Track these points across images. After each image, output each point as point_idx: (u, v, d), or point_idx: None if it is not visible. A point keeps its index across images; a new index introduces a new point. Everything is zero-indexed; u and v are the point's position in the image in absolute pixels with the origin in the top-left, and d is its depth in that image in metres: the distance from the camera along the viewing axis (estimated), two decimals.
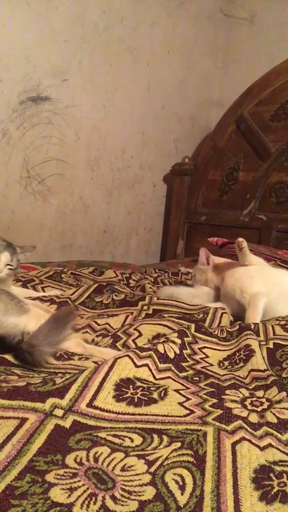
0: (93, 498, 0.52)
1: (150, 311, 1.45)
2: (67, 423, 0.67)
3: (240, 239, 1.58)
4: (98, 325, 1.35)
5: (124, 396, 0.79)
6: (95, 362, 0.99)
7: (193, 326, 1.20)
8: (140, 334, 1.22)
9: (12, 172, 2.36)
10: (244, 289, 1.48)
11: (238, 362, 1.06)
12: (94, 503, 0.52)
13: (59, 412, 0.69)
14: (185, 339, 1.10)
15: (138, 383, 0.84)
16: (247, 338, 1.14)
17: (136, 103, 2.87)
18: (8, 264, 1.31)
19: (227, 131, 2.88)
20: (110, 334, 1.26)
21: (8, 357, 0.92)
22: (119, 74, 2.74)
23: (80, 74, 2.55)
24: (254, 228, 2.65)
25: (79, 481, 0.55)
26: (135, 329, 1.24)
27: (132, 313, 1.44)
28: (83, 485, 0.54)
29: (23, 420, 0.65)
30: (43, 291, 1.65)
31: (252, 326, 1.26)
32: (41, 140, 2.45)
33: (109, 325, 1.35)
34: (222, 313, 1.44)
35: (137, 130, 2.92)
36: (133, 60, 2.81)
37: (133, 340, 1.19)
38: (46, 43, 2.40)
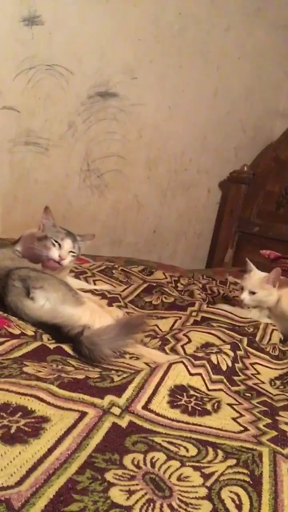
0: (151, 504, 0.52)
1: (199, 318, 1.44)
2: (123, 423, 0.67)
3: None
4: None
5: (178, 403, 0.78)
6: (146, 363, 0.99)
7: (245, 340, 1.17)
8: (189, 341, 1.21)
9: (74, 164, 2.40)
10: None
11: None
12: (153, 510, 0.51)
13: (116, 411, 0.69)
14: (238, 352, 1.08)
15: (192, 392, 0.83)
16: None
17: (201, 107, 2.85)
18: (71, 251, 1.33)
19: None
20: (158, 336, 1.26)
21: (65, 347, 0.94)
22: (188, 77, 2.73)
23: (149, 73, 2.56)
24: None
25: (137, 484, 0.55)
26: (184, 334, 1.24)
27: (180, 317, 1.43)
28: (141, 489, 0.54)
29: (83, 414, 0.65)
30: (94, 284, 1.67)
31: None
32: (105, 136, 2.48)
33: (157, 327, 1.35)
34: (272, 330, 1.41)
35: (199, 134, 2.90)
36: (204, 63, 2.79)
37: (182, 346, 1.18)
38: (120, 40, 2.42)
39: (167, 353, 1.15)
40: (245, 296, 1.55)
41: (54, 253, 1.29)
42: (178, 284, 1.94)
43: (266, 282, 1.55)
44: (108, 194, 2.58)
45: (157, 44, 2.56)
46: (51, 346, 0.92)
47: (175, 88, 2.70)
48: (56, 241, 1.30)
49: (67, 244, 1.31)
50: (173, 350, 1.17)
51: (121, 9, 2.38)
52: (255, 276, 1.58)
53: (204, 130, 2.91)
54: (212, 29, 2.77)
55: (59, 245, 1.30)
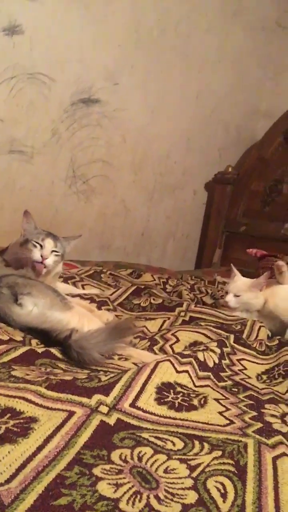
0: (138, 496, 0.54)
1: (187, 318, 1.46)
2: (111, 420, 0.69)
3: (281, 262, 1.59)
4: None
5: (165, 400, 0.80)
6: (135, 364, 1.00)
7: (232, 336, 1.20)
8: (178, 340, 1.23)
9: (59, 171, 2.42)
10: None
11: (277, 377, 1.05)
12: (140, 501, 0.53)
13: (104, 409, 0.71)
14: (224, 349, 1.10)
15: (179, 389, 0.85)
16: (287, 354, 1.13)
17: (184, 110, 2.89)
18: (54, 251, 1.33)
19: (274, 142, 2.86)
20: (147, 337, 1.28)
21: (54, 350, 0.95)
22: (170, 80, 2.77)
23: (131, 78, 2.59)
24: None
25: (124, 478, 0.56)
26: (172, 334, 1.25)
27: (169, 318, 1.45)
28: (129, 482, 0.56)
29: (71, 413, 0.67)
30: (83, 289, 1.68)
31: None
32: (89, 142, 2.50)
33: (146, 328, 1.36)
34: (260, 326, 1.43)
35: (183, 136, 2.93)
36: (185, 67, 2.82)
37: (171, 346, 1.20)
38: (100, 46, 2.45)
39: (156, 354, 1.16)
40: (230, 299, 1.59)
41: (36, 254, 1.29)
42: (167, 286, 1.96)
43: (254, 286, 1.59)
44: (95, 200, 2.60)
45: (137, 49, 2.59)
46: (40, 350, 0.93)
47: (157, 92, 2.73)
48: (37, 242, 1.30)
49: (49, 243, 1.30)
50: (162, 350, 1.18)
51: (101, 16, 2.41)
52: (239, 281, 1.63)
53: (187, 132, 2.94)
54: (192, 33, 2.81)
55: (41, 245, 1.30)
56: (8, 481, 0.52)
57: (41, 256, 1.28)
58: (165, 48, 2.70)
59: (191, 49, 2.83)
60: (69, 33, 2.32)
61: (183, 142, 2.94)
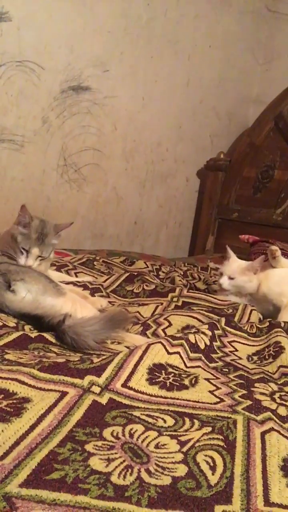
0: (129, 470, 0.55)
1: (180, 303, 1.48)
2: (103, 400, 0.70)
3: (274, 247, 1.60)
4: (129, 313, 1.38)
5: (157, 380, 0.81)
6: (127, 347, 1.02)
7: (223, 319, 1.21)
8: (170, 324, 1.24)
9: (50, 159, 2.41)
10: (284, 294, 1.51)
11: (267, 357, 1.07)
12: (130, 474, 0.55)
13: (96, 389, 0.72)
14: (216, 331, 1.12)
15: (170, 369, 0.87)
16: (277, 335, 1.15)
17: (175, 97, 2.88)
18: (40, 256, 1.33)
19: (265, 128, 2.86)
20: (140, 322, 1.29)
21: (47, 335, 0.96)
22: (160, 67, 2.75)
23: (121, 65, 2.57)
24: (287, 227, 2.63)
25: (116, 453, 0.58)
26: (165, 319, 1.27)
27: (162, 303, 1.47)
28: (120, 457, 0.57)
29: (63, 394, 0.68)
30: (76, 276, 1.69)
31: (283, 324, 1.27)
32: (80, 130, 2.49)
33: (139, 313, 1.38)
34: (251, 310, 1.45)
35: (174, 124, 2.92)
36: (174, 53, 2.81)
37: (163, 330, 1.22)
38: (89, 33, 2.43)
39: (148, 338, 1.18)
40: (224, 281, 1.60)
41: (21, 260, 1.29)
42: (160, 272, 1.98)
43: (248, 269, 1.60)
44: (87, 188, 2.60)
45: (127, 36, 2.57)
46: (33, 335, 0.94)
47: (147, 78, 2.72)
48: (24, 249, 1.30)
49: (35, 252, 1.30)
50: (155, 334, 1.20)
51: (89, 2, 2.38)
52: (234, 263, 1.64)
53: (179, 119, 2.93)
54: (181, 18, 2.78)
55: (27, 253, 1.30)
56: (1, 458, 0.53)
57: (25, 263, 1.28)
58: (155, 35, 2.68)
59: (181, 35, 2.81)
60: (57, 20, 2.29)
61: (175, 129, 2.94)
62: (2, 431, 0.57)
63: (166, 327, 1.23)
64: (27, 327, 1.04)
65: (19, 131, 2.26)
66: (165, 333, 1.19)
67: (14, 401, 0.64)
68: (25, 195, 2.31)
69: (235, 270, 1.60)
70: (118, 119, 2.63)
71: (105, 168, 2.65)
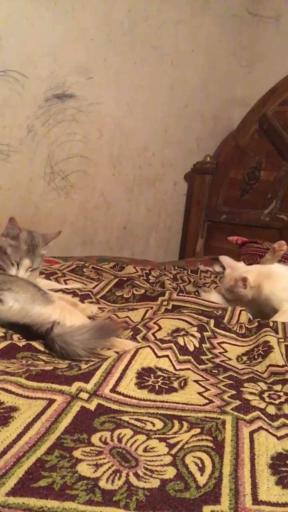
0: (118, 474, 0.56)
1: (170, 307, 1.48)
2: (92, 406, 0.71)
3: (283, 242, 1.60)
4: (119, 318, 1.38)
5: (146, 384, 0.82)
6: (117, 352, 1.02)
7: (212, 321, 1.22)
8: (160, 328, 1.24)
9: (37, 168, 2.41)
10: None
11: (256, 357, 1.08)
12: (119, 479, 0.55)
13: (84, 395, 0.72)
14: (205, 333, 1.12)
15: (159, 373, 0.87)
16: (266, 335, 1.16)
17: (160, 101, 2.90)
18: (30, 267, 1.34)
19: (250, 130, 2.89)
20: (130, 327, 1.29)
21: (35, 344, 0.96)
22: (143, 73, 2.77)
23: (105, 72, 2.59)
24: (274, 228, 2.65)
25: (104, 458, 0.58)
26: (155, 323, 1.27)
27: (152, 307, 1.47)
28: (108, 462, 0.58)
29: (51, 401, 0.68)
30: (66, 284, 1.69)
31: (271, 324, 1.28)
32: (65, 137, 2.50)
33: (129, 318, 1.38)
34: (240, 311, 1.46)
35: (160, 128, 2.94)
36: (158, 58, 2.83)
37: (153, 334, 1.22)
38: (72, 41, 2.44)
39: (138, 342, 1.18)
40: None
41: (12, 272, 1.29)
42: (150, 277, 1.98)
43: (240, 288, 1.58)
44: (75, 195, 2.60)
45: (109, 42, 2.58)
46: (21, 344, 0.94)
47: (131, 84, 2.73)
48: (15, 261, 1.30)
49: (26, 264, 1.31)
50: (145, 338, 1.20)
51: (70, 10, 2.40)
52: (227, 277, 1.64)
53: (164, 123, 2.95)
54: (163, 24, 2.81)
55: (18, 265, 1.30)
56: None
57: (15, 275, 1.28)
58: (137, 41, 2.70)
59: (163, 40, 2.83)
60: (39, 29, 2.30)
61: (161, 134, 2.95)
62: None
63: (156, 331, 1.23)
64: (15, 336, 1.03)
65: (4, 141, 2.26)
66: (155, 337, 1.19)
67: (1, 410, 0.64)
68: (12, 203, 2.31)
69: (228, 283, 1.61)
70: (104, 125, 2.65)
71: (92, 174, 2.66)
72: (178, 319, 1.29)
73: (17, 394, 0.68)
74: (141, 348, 0.92)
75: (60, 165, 2.50)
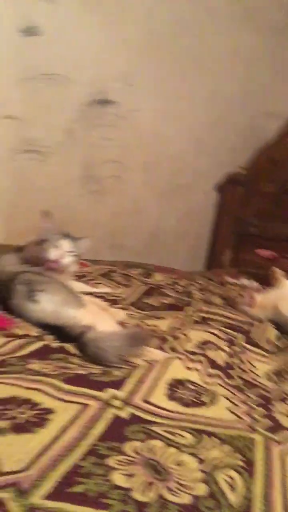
0: (150, 486, 0.56)
1: (197, 317, 1.48)
2: (124, 414, 0.71)
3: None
4: (147, 326, 1.39)
5: (176, 395, 0.82)
6: (146, 361, 1.03)
7: (241, 336, 1.22)
8: (188, 339, 1.24)
9: (73, 170, 2.45)
10: None
11: (285, 376, 1.07)
12: (151, 491, 0.55)
13: (117, 403, 0.73)
14: (234, 348, 1.12)
15: (189, 385, 0.87)
16: None
17: (196, 111, 2.90)
18: (70, 251, 1.35)
19: (284, 143, 2.86)
20: (158, 335, 1.30)
21: (68, 346, 0.98)
22: (183, 82, 2.78)
23: (145, 80, 2.61)
24: None
25: (137, 468, 0.59)
26: (182, 333, 1.27)
27: (179, 317, 1.47)
28: (141, 473, 0.58)
29: (85, 406, 0.70)
30: (95, 287, 1.71)
31: None
32: (103, 142, 2.53)
33: (157, 327, 1.39)
34: (268, 327, 1.45)
35: (194, 138, 2.94)
36: (197, 68, 2.84)
37: (181, 344, 1.22)
38: (116, 48, 2.47)
39: (166, 352, 1.19)
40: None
41: (52, 254, 1.30)
42: (177, 286, 1.98)
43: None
44: (107, 199, 2.63)
45: (152, 51, 2.61)
46: (54, 346, 0.96)
47: (170, 93, 2.75)
48: (53, 243, 1.32)
49: (65, 244, 1.32)
50: (172, 348, 1.20)
51: (117, 18, 2.43)
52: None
53: (199, 133, 2.95)
54: (205, 35, 2.82)
55: (57, 246, 1.32)
56: (26, 468, 0.54)
57: (56, 256, 1.30)
58: (179, 51, 2.72)
59: (204, 51, 2.84)
60: (85, 35, 2.35)
61: (195, 143, 2.96)
62: (28, 441, 0.58)
63: (184, 342, 1.23)
64: (48, 337, 1.05)
65: (44, 142, 2.30)
66: (183, 347, 1.20)
67: (38, 411, 0.65)
68: (47, 204, 2.32)
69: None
70: (140, 132, 2.67)
71: (125, 180, 2.68)
72: (206, 331, 1.29)
73: (53, 396, 0.70)
74: (171, 359, 0.92)
75: (95, 169, 2.53)
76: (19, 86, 2.21)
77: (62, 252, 1.31)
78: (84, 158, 2.46)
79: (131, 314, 1.50)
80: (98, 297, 1.55)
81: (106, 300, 1.55)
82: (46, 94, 2.28)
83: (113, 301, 1.55)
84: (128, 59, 2.52)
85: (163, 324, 1.40)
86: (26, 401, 0.67)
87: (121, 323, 1.34)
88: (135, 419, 0.71)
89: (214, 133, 3.01)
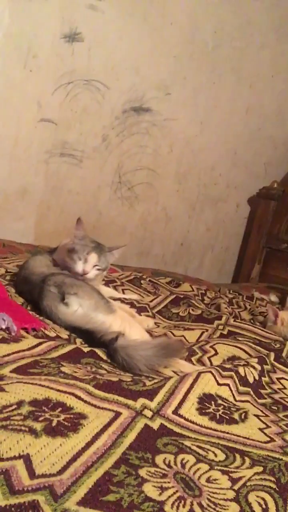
0: (182, 501, 0.55)
1: (225, 332, 1.46)
2: (155, 425, 0.70)
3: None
4: (174, 336, 1.37)
5: (207, 410, 0.81)
6: (174, 372, 1.01)
7: (272, 354, 1.19)
8: (216, 353, 1.23)
9: (105, 176, 2.47)
10: None
11: None
12: (183, 506, 0.54)
13: (148, 413, 0.72)
14: (265, 366, 1.10)
15: (220, 401, 0.86)
16: None
17: (233, 123, 2.89)
18: (96, 265, 1.35)
19: None
20: (185, 347, 1.28)
21: (98, 351, 0.98)
22: (221, 93, 2.78)
23: (183, 89, 2.62)
24: None
25: (168, 482, 0.58)
26: (211, 347, 1.26)
27: (207, 330, 1.46)
28: (173, 487, 0.57)
29: (117, 414, 0.69)
30: (123, 293, 1.71)
31: None
32: (137, 149, 2.54)
33: (184, 338, 1.37)
34: None
35: (230, 149, 2.93)
36: (236, 80, 2.83)
37: (209, 358, 1.20)
38: (155, 57, 2.49)
39: (194, 364, 1.17)
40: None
41: (79, 266, 1.30)
42: (205, 297, 1.96)
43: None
44: (138, 206, 2.64)
45: (191, 61, 2.62)
46: (85, 350, 0.96)
47: (207, 104, 2.75)
48: (81, 255, 1.32)
49: (92, 258, 1.32)
50: (200, 361, 1.19)
51: (158, 27, 2.45)
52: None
53: (235, 145, 2.94)
54: (246, 47, 2.81)
55: (85, 259, 1.32)
56: (60, 472, 0.54)
57: (83, 270, 1.30)
58: (219, 62, 2.72)
59: (244, 63, 2.83)
60: (126, 43, 2.37)
61: (230, 155, 2.94)
62: (61, 445, 0.58)
63: (212, 356, 1.21)
64: (78, 340, 1.05)
65: (79, 147, 2.33)
66: (210, 361, 1.18)
67: (71, 415, 0.65)
68: (79, 208, 2.37)
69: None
70: (175, 141, 2.67)
71: (157, 188, 2.68)
72: (235, 346, 1.27)
73: (85, 401, 0.69)
74: (203, 372, 0.91)
75: (127, 175, 2.55)
76: (58, 91, 2.24)
77: (89, 267, 1.30)
78: (117, 164, 2.48)
79: (158, 323, 1.49)
80: (126, 303, 1.55)
81: (135, 307, 1.54)
82: (84, 100, 2.31)
83: (141, 309, 1.55)
84: (167, 68, 2.54)
85: (191, 336, 1.39)
86: (60, 404, 0.66)
87: (149, 331, 1.33)
88: (165, 431, 0.70)
89: (250, 146, 2.99)
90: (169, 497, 0.55)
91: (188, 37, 2.58)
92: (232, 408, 0.85)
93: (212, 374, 0.92)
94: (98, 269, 1.36)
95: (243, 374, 0.98)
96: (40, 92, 2.20)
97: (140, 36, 2.41)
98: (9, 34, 2.07)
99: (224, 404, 0.85)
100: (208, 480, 0.61)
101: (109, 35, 2.33)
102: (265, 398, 0.98)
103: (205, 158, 2.84)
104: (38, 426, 0.60)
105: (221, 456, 0.68)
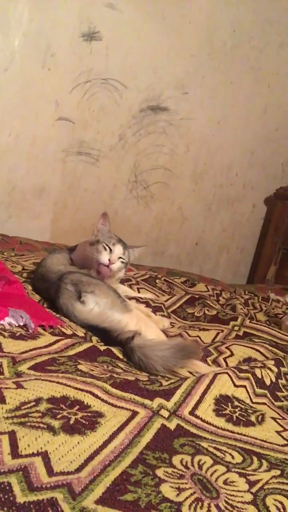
0: (200, 503, 0.54)
1: (241, 333, 1.45)
2: (171, 425, 0.70)
3: None
4: (189, 336, 1.37)
5: (223, 412, 0.80)
6: (190, 372, 1.01)
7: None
8: (232, 354, 1.22)
9: (122, 175, 2.47)
10: None
11: None
12: (201, 508, 0.54)
13: (165, 413, 0.72)
14: (282, 369, 1.08)
15: (236, 403, 0.85)
16: None
17: (250, 123, 2.87)
18: (121, 257, 1.36)
19: None
20: (201, 347, 1.28)
21: (115, 350, 0.98)
22: (239, 93, 2.76)
23: (200, 89, 2.61)
24: None
25: (186, 483, 0.57)
26: (227, 347, 1.25)
27: (223, 330, 1.44)
28: (190, 488, 0.57)
29: (134, 413, 0.69)
30: (138, 292, 1.71)
31: None
32: (153, 148, 2.54)
33: (200, 338, 1.37)
34: None
35: (247, 149, 2.91)
36: (255, 80, 2.81)
37: (224, 359, 1.19)
38: (173, 56, 2.49)
39: (209, 365, 1.16)
40: None
41: (105, 257, 1.32)
42: (220, 298, 1.95)
43: None
44: (153, 206, 2.63)
45: (209, 60, 2.60)
46: (101, 348, 0.96)
47: (225, 103, 2.73)
48: (107, 246, 1.34)
49: (118, 249, 1.34)
50: (215, 362, 1.18)
51: (177, 26, 2.45)
52: None
53: (252, 145, 2.92)
54: (265, 46, 2.79)
55: (110, 249, 1.34)
56: (78, 470, 0.54)
57: (109, 260, 1.31)
58: (237, 61, 2.70)
59: (263, 63, 2.81)
60: (144, 42, 2.37)
61: (246, 155, 2.92)
62: (78, 443, 0.58)
63: (228, 357, 1.20)
64: (94, 339, 1.06)
65: (96, 145, 2.34)
66: (226, 362, 1.17)
67: (89, 414, 0.65)
68: (95, 206, 2.38)
69: None
70: (192, 141, 2.66)
71: (173, 187, 2.68)
72: (251, 348, 1.25)
73: (102, 400, 0.69)
74: (219, 373, 0.90)
75: (144, 175, 2.55)
76: (75, 89, 2.25)
77: (115, 257, 1.32)
78: (134, 163, 2.48)
79: (174, 323, 1.49)
80: (142, 302, 1.55)
81: (150, 306, 1.54)
82: (101, 99, 2.32)
83: (156, 308, 1.54)
84: (185, 67, 2.53)
85: (206, 336, 1.38)
86: (77, 402, 0.66)
87: (164, 331, 1.33)
88: (182, 431, 0.70)
89: (267, 146, 2.97)
90: (187, 498, 0.55)
91: (207, 36, 2.57)
92: (249, 410, 0.84)
93: (229, 375, 0.91)
94: (122, 262, 1.38)
95: (259, 376, 0.97)
96: (58, 90, 2.22)
97: (158, 35, 2.41)
98: (28, 33, 2.09)
99: (241, 406, 0.85)
100: (225, 482, 0.60)
101: (127, 34, 2.33)
102: (282, 401, 0.97)
103: (222, 158, 2.82)
104: (56, 423, 0.60)
105: (238, 459, 0.67)
